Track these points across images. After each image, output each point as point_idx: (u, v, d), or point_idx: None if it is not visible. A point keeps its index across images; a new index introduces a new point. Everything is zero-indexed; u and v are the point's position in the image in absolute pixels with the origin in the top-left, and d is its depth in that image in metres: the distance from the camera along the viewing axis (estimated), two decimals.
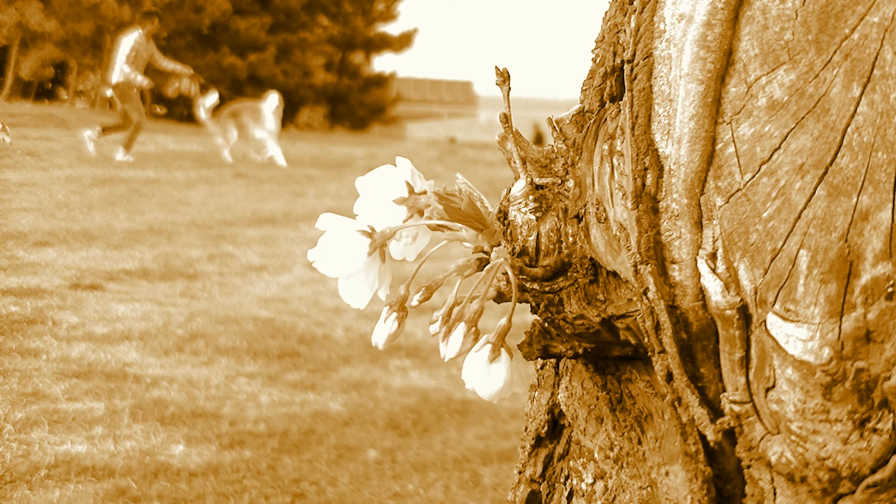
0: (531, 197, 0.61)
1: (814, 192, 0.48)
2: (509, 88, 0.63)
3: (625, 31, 0.56)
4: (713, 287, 0.51)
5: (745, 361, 0.51)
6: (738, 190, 0.50)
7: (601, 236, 0.58)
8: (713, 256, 0.51)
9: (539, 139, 10.18)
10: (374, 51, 20.41)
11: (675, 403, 0.55)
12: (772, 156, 0.49)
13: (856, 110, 0.47)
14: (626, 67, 0.55)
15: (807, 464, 0.49)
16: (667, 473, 0.58)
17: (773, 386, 0.50)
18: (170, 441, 2.37)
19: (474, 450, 2.46)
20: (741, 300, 0.50)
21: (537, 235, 0.61)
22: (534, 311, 0.63)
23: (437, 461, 2.38)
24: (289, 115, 15.16)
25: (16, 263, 4.06)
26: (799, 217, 0.48)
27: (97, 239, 4.72)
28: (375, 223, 0.60)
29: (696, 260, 0.52)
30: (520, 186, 0.62)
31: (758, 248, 0.49)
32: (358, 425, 2.59)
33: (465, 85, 31.31)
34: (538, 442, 0.71)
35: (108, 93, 8.99)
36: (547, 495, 0.71)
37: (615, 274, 0.58)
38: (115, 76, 8.20)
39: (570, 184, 0.61)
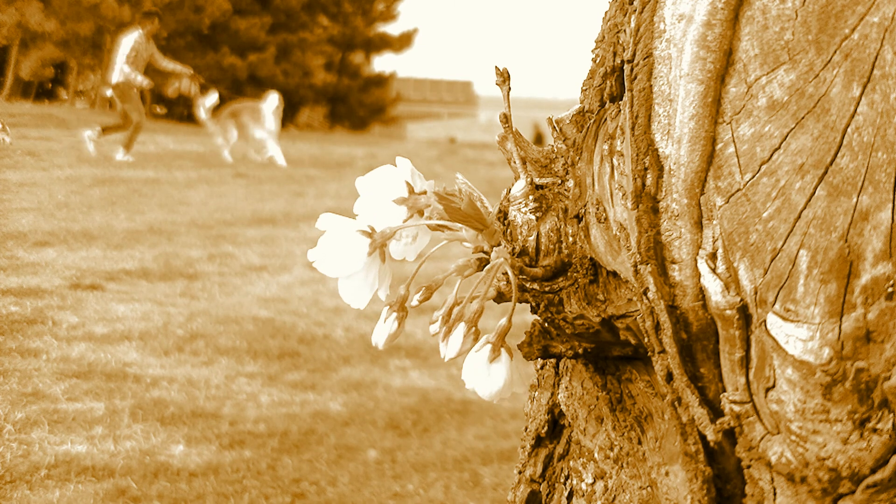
0: (531, 197, 0.61)
1: (814, 192, 0.48)
2: (509, 88, 0.64)
3: (625, 31, 0.56)
4: (713, 287, 0.51)
5: (745, 361, 0.51)
6: (738, 190, 0.50)
7: (601, 236, 0.58)
8: (713, 256, 0.51)
9: (539, 139, 10.18)
10: (374, 51, 20.41)
11: (675, 403, 0.55)
12: (772, 156, 0.49)
13: (856, 110, 0.47)
14: (626, 67, 0.55)
15: (807, 464, 0.49)
16: (667, 473, 0.58)
17: (773, 386, 0.50)
18: (170, 441, 2.37)
19: (474, 450, 2.46)
20: (741, 300, 0.50)
21: (537, 235, 0.61)
22: (534, 311, 0.63)
23: (437, 461, 2.38)
24: (289, 115, 15.16)
25: (16, 263, 4.06)
26: (799, 217, 0.48)
27: (97, 239, 4.72)
28: (375, 223, 0.60)
29: (696, 260, 0.52)
30: (520, 186, 0.62)
31: (758, 248, 0.49)
32: (358, 425, 2.59)
33: (465, 85, 31.31)
34: (538, 442, 0.71)
35: (108, 93, 8.99)
36: (547, 495, 0.71)
37: (615, 274, 0.58)
38: (115, 76, 8.20)
39: (570, 184, 0.61)
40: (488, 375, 0.59)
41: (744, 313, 0.51)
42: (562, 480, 0.70)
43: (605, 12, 0.61)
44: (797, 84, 0.48)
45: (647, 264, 0.53)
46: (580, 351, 0.62)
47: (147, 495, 2.08)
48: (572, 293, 0.60)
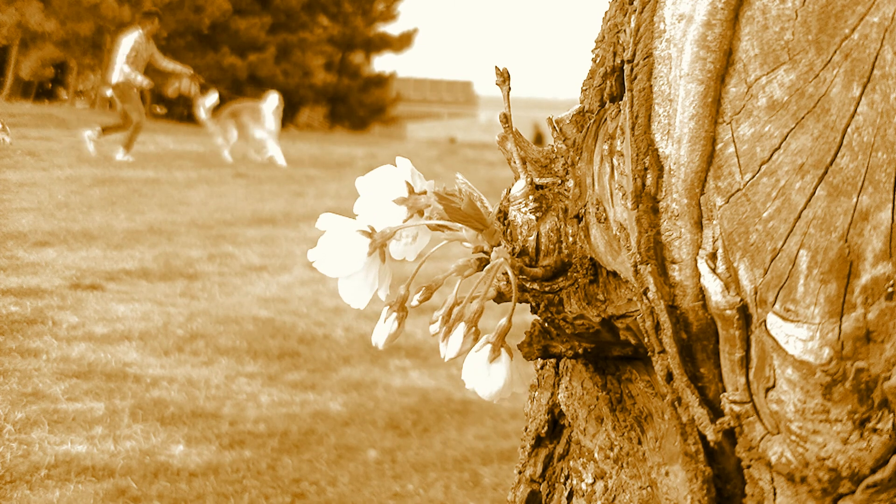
0: (531, 197, 0.61)
1: (814, 192, 0.48)
2: (509, 88, 0.63)
3: (625, 31, 0.56)
4: (713, 287, 0.51)
5: (745, 361, 0.51)
6: (738, 190, 0.50)
7: (601, 236, 0.58)
8: (713, 256, 0.51)
9: (539, 139, 10.18)
10: (374, 51, 20.41)
11: (675, 403, 0.55)
12: (772, 156, 0.49)
13: (856, 110, 0.47)
14: (626, 67, 0.55)
15: (807, 464, 0.49)
16: (667, 473, 0.58)
17: (773, 386, 0.50)
18: (170, 441, 2.37)
19: (474, 450, 2.46)
20: (741, 300, 0.50)
21: (537, 235, 0.61)
22: (534, 311, 0.63)
23: (437, 461, 2.38)
24: (289, 115, 15.16)
25: (16, 263, 4.06)
26: (799, 217, 0.48)
27: (97, 239, 4.72)
28: (375, 223, 0.60)
29: (696, 260, 0.52)
30: (520, 186, 0.62)
31: (758, 248, 0.49)
32: (358, 425, 2.59)
33: (465, 85, 31.31)
34: (538, 442, 0.71)
35: (108, 93, 8.99)
36: (547, 495, 0.71)
37: (615, 274, 0.58)
38: (115, 76, 8.20)
39: (570, 184, 0.61)
40: (488, 375, 0.59)
41: (744, 313, 0.51)
42: (562, 480, 0.70)
43: (605, 12, 0.61)
44: (797, 84, 0.48)
45: (647, 264, 0.53)
46: (580, 351, 0.62)
47: (147, 495, 2.08)
48: (572, 293, 0.60)
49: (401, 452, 2.42)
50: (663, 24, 0.53)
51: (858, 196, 0.46)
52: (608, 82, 0.59)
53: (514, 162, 0.63)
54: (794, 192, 0.48)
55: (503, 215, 0.63)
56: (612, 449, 0.63)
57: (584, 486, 0.67)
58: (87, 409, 2.53)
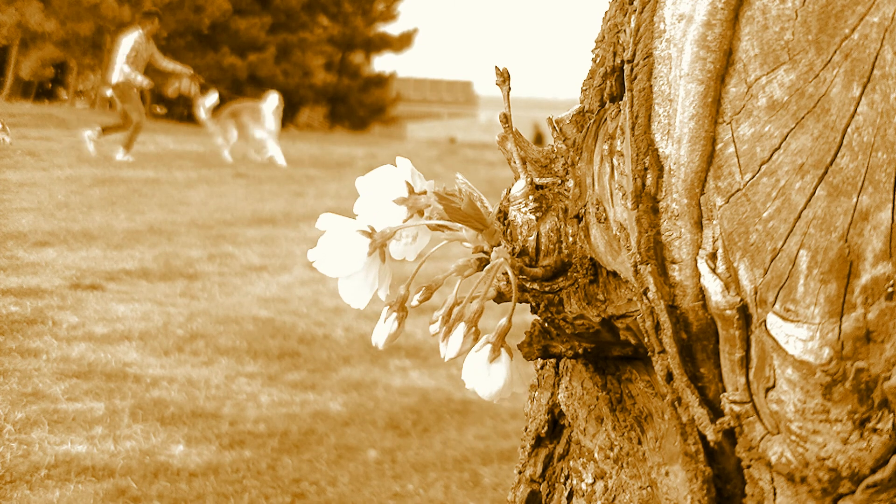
0: (531, 197, 0.61)
1: (814, 192, 0.48)
2: (509, 88, 0.63)
3: (625, 31, 0.56)
4: (713, 287, 0.51)
5: (745, 361, 0.51)
6: (738, 190, 0.50)
7: (601, 236, 0.58)
8: (713, 256, 0.51)
9: (539, 139, 10.18)
10: (374, 51, 20.41)
11: (675, 403, 0.55)
12: (772, 156, 0.49)
13: (856, 110, 0.47)
14: (626, 67, 0.55)
15: (807, 464, 0.49)
16: (667, 473, 0.58)
17: (773, 386, 0.50)
18: (170, 441, 2.37)
19: (474, 450, 2.46)
20: (741, 300, 0.50)
21: (537, 235, 0.61)
22: (534, 311, 0.63)
23: (437, 461, 2.38)
24: (289, 115, 15.15)
25: (16, 263, 4.06)
26: (799, 217, 0.48)
27: (97, 239, 4.72)
28: (375, 223, 0.60)
29: (696, 260, 0.52)
30: (520, 186, 0.62)
31: (758, 248, 0.49)
32: (358, 425, 2.59)
33: (465, 85, 31.31)
34: (538, 442, 0.71)
35: (108, 93, 8.99)
36: (547, 495, 0.71)
37: (615, 274, 0.58)
38: (115, 76, 8.21)
39: (570, 184, 0.61)
40: (488, 375, 0.59)
41: (744, 313, 0.51)
42: (562, 480, 0.70)
43: (605, 12, 0.61)
44: (797, 84, 0.48)
45: (647, 264, 0.53)
46: (580, 351, 0.62)
47: (147, 495, 2.08)
48: (572, 293, 0.60)
49: (401, 452, 2.42)
50: (663, 24, 0.53)
51: (858, 196, 0.46)
52: (608, 82, 0.59)
53: (514, 162, 0.63)
54: (794, 192, 0.48)
55: (503, 215, 0.63)
56: (612, 449, 0.63)
57: (584, 486, 0.67)
58: (87, 409, 2.53)
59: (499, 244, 0.63)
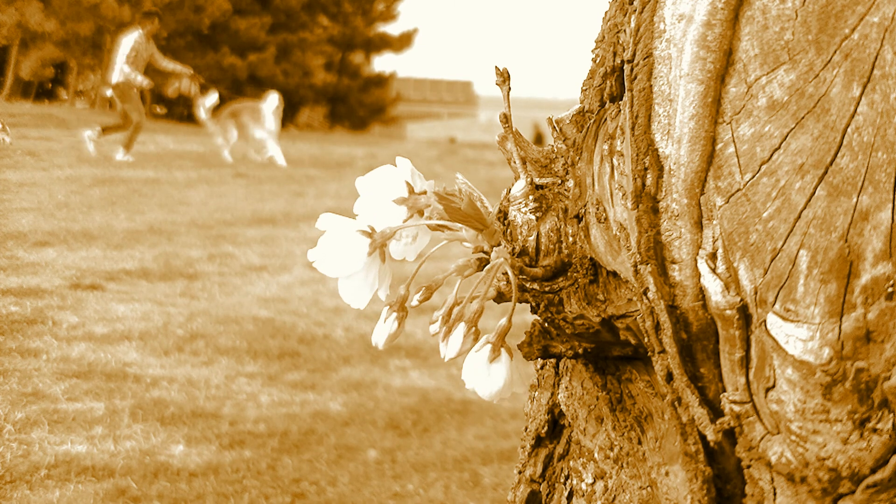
0: (531, 197, 0.61)
1: (814, 192, 0.48)
2: (509, 88, 0.63)
3: (625, 31, 0.56)
4: (713, 287, 0.51)
5: (745, 361, 0.51)
6: (738, 190, 0.50)
7: (601, 236, 0.58)
8: (713, 256, 0.51)
9: (539, 139, 10.18)
10: (374, 51, 20.41)
11: (675, 403, 0.55)
12: (772, 156, 0.49)
13: (856, 110, 0.47)
14: (626, 67, 0.55)
15: (807, 464, 0.49)
16: (667, 473, 0.58)
17: (773, 386, 0.50)
18: (170, 441, 2.37)
19: (474, 450, 2.46)
20: (741, 300, 0.50)
21: (537, 235, 0.61)
22: (534, 311, 0.63)
23: (437, 461, 2.38)
24: (289, 115, 15.15)
25: (16, 263, 4.06)
26: (799, 217, 0.48)
27: (97, 239, 4.72)
28: (375, 223, 0.60)
29: (696, 260, 0.52)
30: (520, 186, 0.62)
31: (758, 248, 0.49)
32: (358, 425, 2.59)
33: (465, 85, 31.31)
34: (538, 442, 0.71)
35: (109, 93, 8.99)
36: (547, 495, 0.71)
37: (615, 274, 0.58)
38: (115, 76, 8.21)
39: (570, 184, 0.61)
40: (488, 375, 0.59)
41: (744, 313, 0.51)
42: (562, 480, 0.70)
43: (605, 12, 0.61)
44: (797, 84, 0.48)
45: (647, 264, 0.53)
46: (580, 351, 0.62)
47: (147, 495, 2.08)
48: (572, 293, 0.60)
49: (401, 452, 2.42)
50: (663, 24, 0.53)
51: (858, 196, 0.46)
52: (608, 82, 0.59)
53: (514, 162, 0.63)
54: (794, 192, 0.48)
55: (503, 215, 0.63)
56: (612, 449, 0.63)
57: (584, 486, 0.67)
58: (87, 409, 2.53)
59: (499, 244, 0.63)
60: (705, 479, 0.55)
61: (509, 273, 0.60)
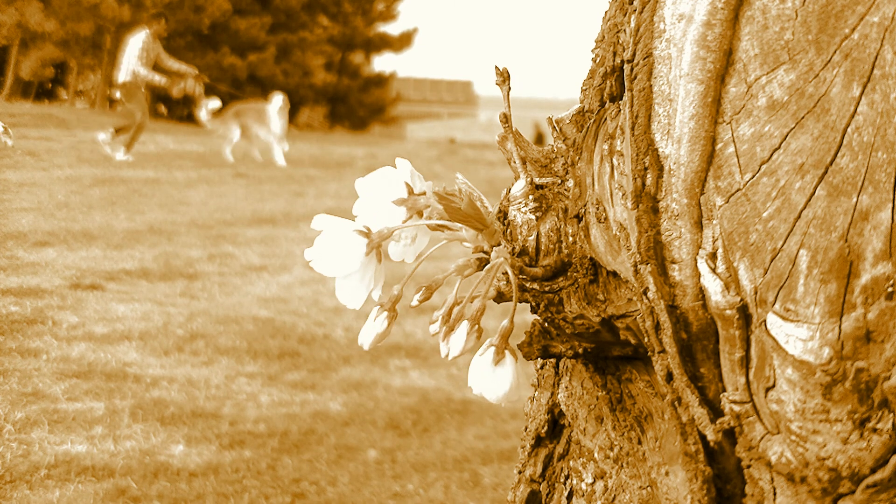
0: (531, 197, 0.61)
1: (814, 192, 0.48)
2: (509, 88, 0.63)
3: (625, 31, 0.56)
4: (713, 287, 0.51)
5: (745, 361, 0.51)
6: (738, 190, 0.50)
7: (601, 236, 0.58)
8: (713, 256, 0.51)
9: (539, 139, 10.18)
10: (374, 51, 20.41)
11: (675, 403, 0.55)
12: (772, 156, 0.49)
13: (856, 110, 0.47)
14: (626, 67, 0.55)
15: (807, 464, 0.49)
16: (667, 473, 0.58)
17: (773, 386, 0.50)
18: (170, 441, 2.37)
19: (474, 450, 2.46)
20: (741, 300, 0.50)
21: (537, 235, 0.61)
22: (534, 310, 0.63)
23: (437, 461, 2.38)
24: (289, 115, 15.16)
25: (16, 263, 4.06)
26: (799, 217, 0.48)
27: (97, 239, 4.72)
28: (375, 225, 0.60)
29: (696, 260, 0.52)
30: (520, 186, 0.62)
31: (758, 248, 0.49)
32: (358, 425, 2.59)
33: (465, 85, 31.31)
34: (538, 442, 0.71)
35: (118, 94, 8.99)
36: (547, 495, 0.71)
37: (615, 274, 0.58)
38: (122, 75, 8.21)
39: (570, 184, 0.61)
40: (494, 379, 0.59)
41: (744, 313, 0.51)
42: (562, 480, 0.70)
43: (605, 12, 0.61)
44: (797, 84, 0.48)
45: (647, 264, 0.53)
46: (580, 351, 0.62)
47: (147, 495, 2.08)
48: (572, 293, 0.60)
49: (401, 452, 2.42)
50: (663, 24, 0.53)
51: (858, 196, 0.46)
52: (608, 82, 0.59)
53: (514, 162, 0.63)
54: (794, 192, 0.48)
55: (503, 215, 0.63)
56: (612, 449, 0.63)
57: (584, 486, 0.67)
58: (87, 409, 2.52)
59: (499, 244, 0.63)
60: (705, 479, 0.55)
61: (509, 273, 0.60)
